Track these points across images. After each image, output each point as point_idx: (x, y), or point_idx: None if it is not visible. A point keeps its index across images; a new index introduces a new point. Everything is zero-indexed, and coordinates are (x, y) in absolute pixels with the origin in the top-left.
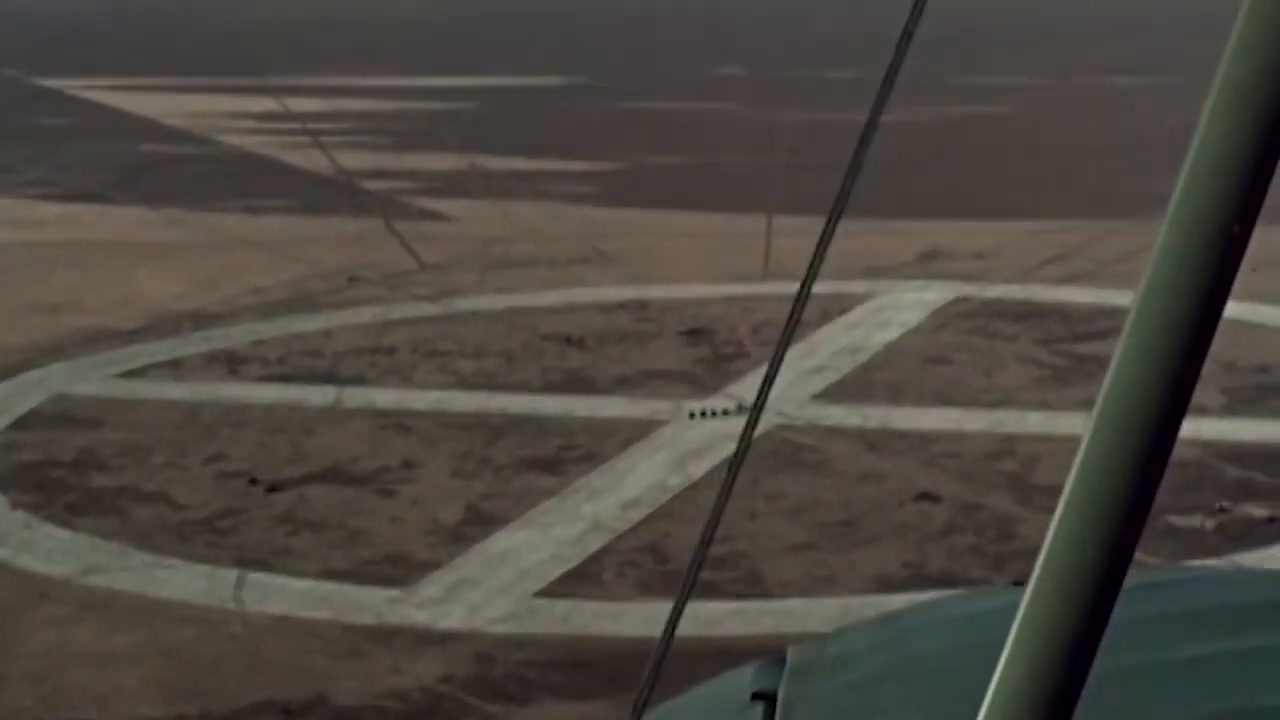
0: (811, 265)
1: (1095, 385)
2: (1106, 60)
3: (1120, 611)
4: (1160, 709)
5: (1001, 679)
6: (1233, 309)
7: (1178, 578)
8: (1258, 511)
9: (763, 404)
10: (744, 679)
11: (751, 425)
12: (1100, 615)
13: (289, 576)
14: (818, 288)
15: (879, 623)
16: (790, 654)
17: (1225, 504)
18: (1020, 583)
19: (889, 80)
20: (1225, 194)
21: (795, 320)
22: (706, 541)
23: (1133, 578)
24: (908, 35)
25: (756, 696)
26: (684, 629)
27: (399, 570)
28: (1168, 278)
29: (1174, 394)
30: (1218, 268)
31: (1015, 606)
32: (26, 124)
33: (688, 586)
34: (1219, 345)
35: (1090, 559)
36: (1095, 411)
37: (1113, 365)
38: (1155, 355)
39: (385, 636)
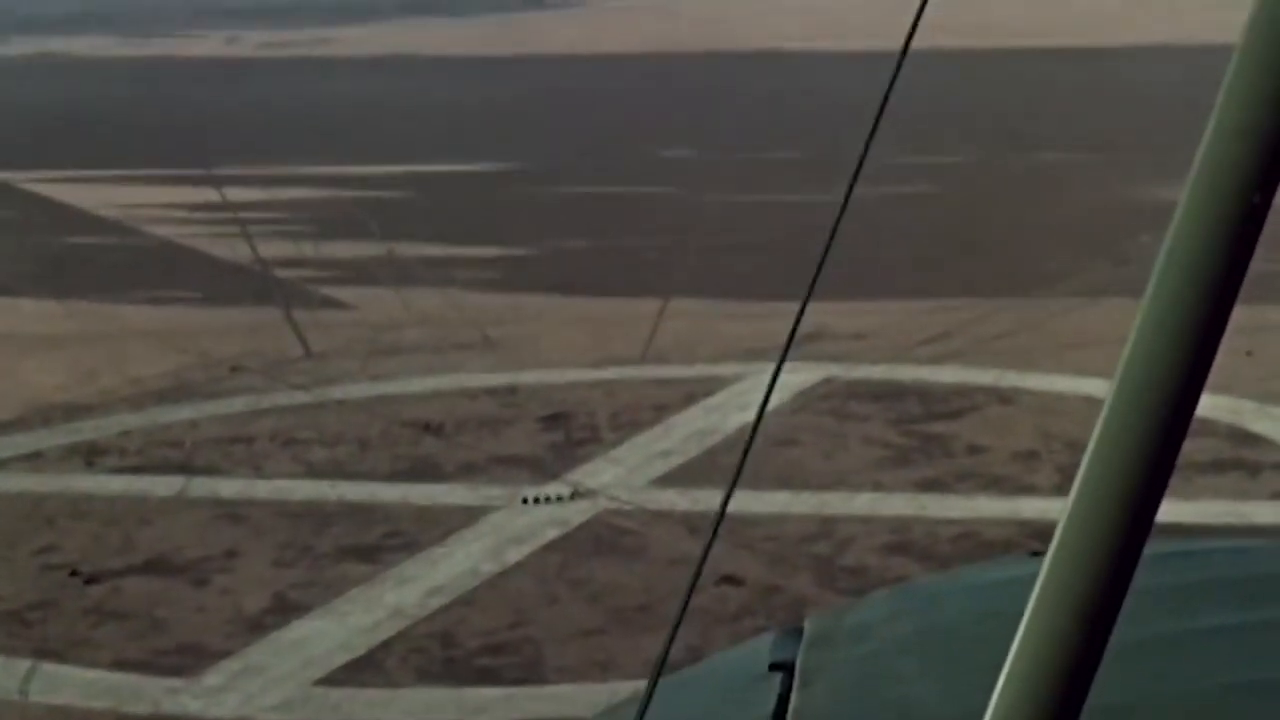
0: (802, 307)
1: (934, 465)
2: (1047, 137)
3: (1137, 582)
4: (1177, 680)
5: (1020, 648)
6: (1085, 384)
7: (1195, 549)
8: None
9: (759, 425)
10: (762, 648)
11: (748, 446)
12: (1119, 585)
13: (80, 667)
14: (686, 371)
15: (897, 592)
16: (808, 624)
17: None
18: (1039, 552)
19: (872, 135)
20: (1245, 164)
21: (787, 348)
22: (700, 565)
23: (1150, 548)
24: (886, 97)
25: (774, 666)
26: (445, 715)
27: (189, 660)
28: (1186, 249)
29: (1192, 365)
30: (1236, 239)
31: (1034, 576)
32: None
33: (686, 599)
34: (1071, 424)
35: (1109, 528)
36: (1114, 382)
37: (1131, 337)
38: (1173, 327)
39: None
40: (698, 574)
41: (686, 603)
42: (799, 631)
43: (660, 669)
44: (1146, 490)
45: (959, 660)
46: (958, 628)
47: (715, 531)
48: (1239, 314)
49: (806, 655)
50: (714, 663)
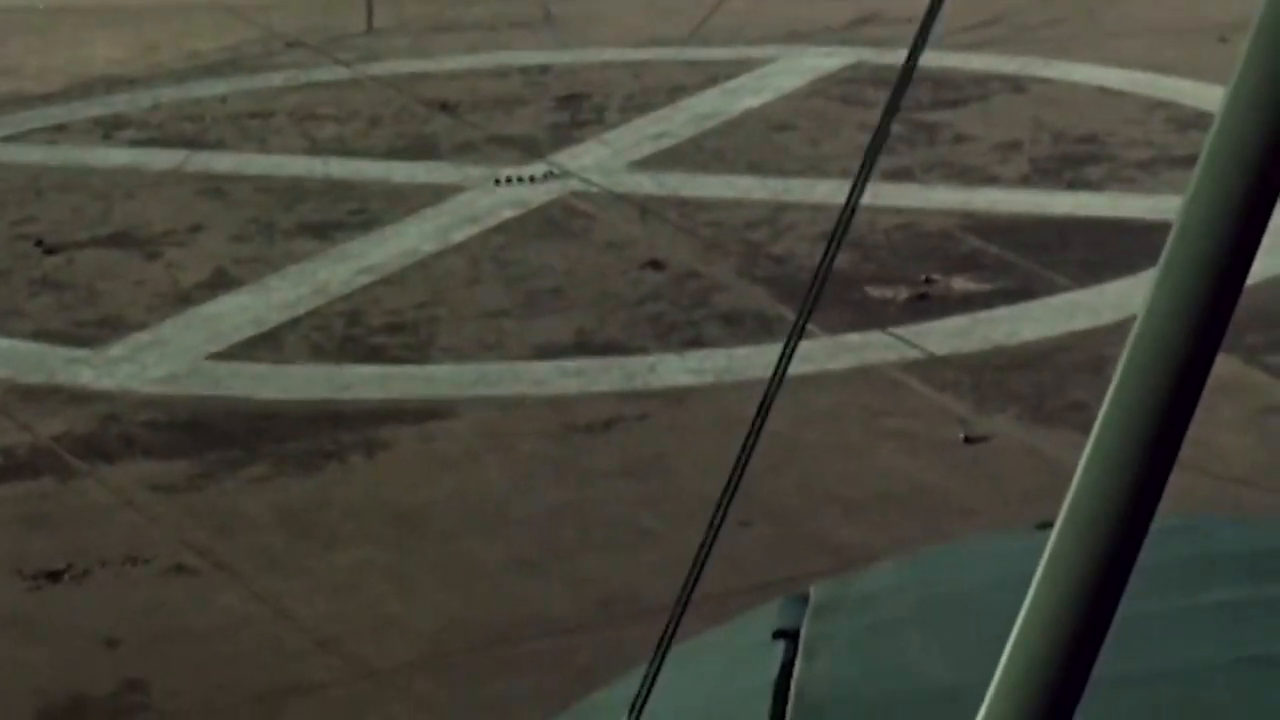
0: (841, 218)
1: (914, 153)
2: None
3: (1143, 555)
4: (1182, 654)
5: (1026, 619)
6: (1104, 73)
7: (1201, 523)
8: (964, 285)
9: (782, 377)
10: (766, 617)
11: (768, 400)
12: (1126, 558)
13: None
14: (721, 54)
15: (904, 562)
16: (813, 592)
17: (934, 277)
18: (1047, 524)
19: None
20: (1258, 138)
21: (822, 278)
22: (709, 543)
23: (1156, 522)
24: None
25: (779, 635)
26: (314, 392)
27: (104, 332)
28: (1198, 225)
29: (1203, 336)
30: (1250, 211)
31: (1041, 547)
32: None
33: (689, 585)
34: (1070, 115)
35: (1117, 500)
36: (1124, 356)
37: (1141, 311)
38: (1185, 300)
39: (40, 395)
40: (699, 566)
41: (688, 596)
42: (804, 600)
43: (666, 644)
44: (1154, 463)
45: (965, 630)
46: (964, 597)
47: (719, 523)
48: None
49: (811, 624)
50: (717, 632)
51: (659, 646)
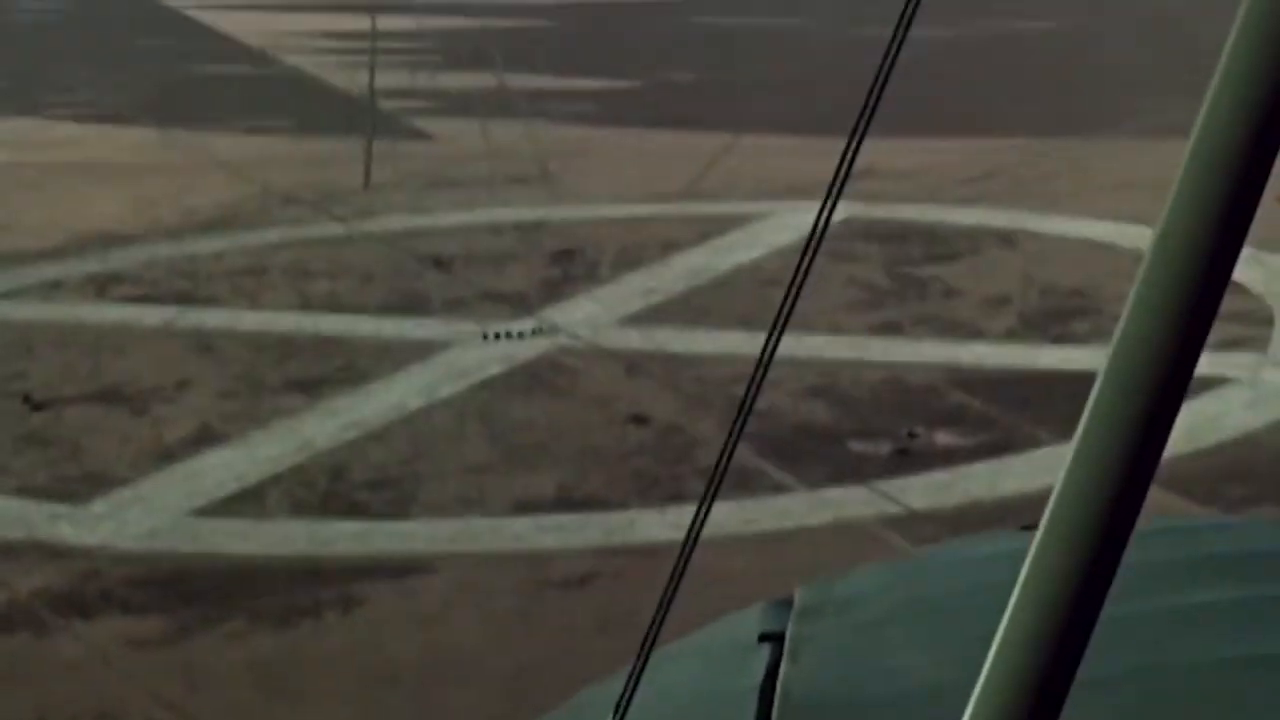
0: (816, 225)
1: (903, 308)
2: None
3: (1128, 557)
4: (1168, 655)
5: (1010, 622)
6: (1093, 227)
7: (1185, 526)
8: (947, 440)
9: (762, 378)
10: (751, 619)
11: (749, 402)
12: (1109, 561)
13: None
14: (715, 208)
15: (888, 565)
16: (798, 595)
17: (917, 431)
18: (1031, 527)
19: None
20: (1252, 113)
21: (797, 287)
22: (691, 541)
23: (1141, 525)
24: None
25: (764, 637)
26: (294, 548)
27: (87, 488)
28: (1181, 229)
29: (1183, 345)
30: (1243, 185)
31: (1025, 550)
32: (122, 45)
33: (679, 569)
34: (1058, 270)
35: (1100, 504)
36: (1107, 357)
37: (1122, 320)
38: (1166, 303)
39: (20, 552)
40: (677, 575)
41: (671, 594)
42: (789, 603)
43: (650, 644)
44: (1137, 467)
45: (948, 632)
46: (947, 600)
47: (694, 537)
48: None
49: (796, 626)
50: (703, 634)
51: (642, 646)
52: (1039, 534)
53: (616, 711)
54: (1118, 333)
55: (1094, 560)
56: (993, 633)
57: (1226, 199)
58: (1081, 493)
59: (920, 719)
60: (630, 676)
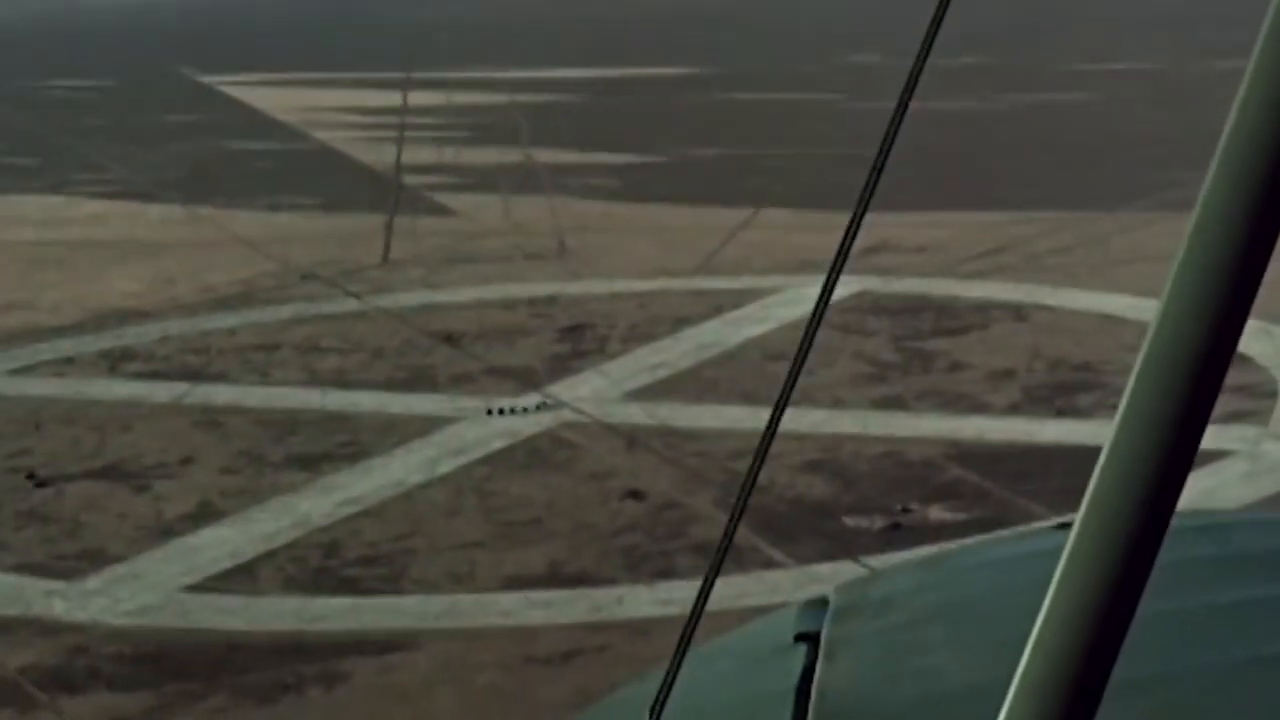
0: (830, 273)
1: (906, 381)
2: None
3: (1163, 555)
4: (1200, 653)
5: (1045, 620)
6: (1108, 300)
7: (1219, 522)
8: (940, 515)
9: (776, 426)
10: (787, 620)
11: (763, 450)
12: (1145, 558)
13: None
14: (729, 284)
15: (924, 564)
16: (834, 595)
17: (911, 506)
18: (1066, 524)
19: (914, 77)
20: (1274, 135)
21: (811, 335)
22: (712, 575)
23: (1175, 521)
24: (935, 25)
25: (800, 637)
26: (281, 624)
27: (83, 565)
28: (1215, 218)
29: (1219, 335)
30: (1267, 207)
31: (1060, 548)
32: (155, 121)
33: (700, 602)
34: (1068, 343)
35: (1136, 501)
36: (1140, 357)
37: (1158, 309)
38: (1202, 298)
39: (13, 627)
40: (705, 593)
41: (707, 591)
42: (825, 603)
43: (685, 645)
44: (1173, 463)
45: (984, 632)
46: (983, 600)
47: (721, 558)
48: None
49: (832, 626)
50: (738, 634)
51: (678, 648)
52: (1074, 530)
53: (651, 713)
54: (1152, 324)
55: (1129, 557)
56: (1028, 632)
57: (1264, 183)
58: (1117, 488)
59: (957, 718)
60: (666, 677)
